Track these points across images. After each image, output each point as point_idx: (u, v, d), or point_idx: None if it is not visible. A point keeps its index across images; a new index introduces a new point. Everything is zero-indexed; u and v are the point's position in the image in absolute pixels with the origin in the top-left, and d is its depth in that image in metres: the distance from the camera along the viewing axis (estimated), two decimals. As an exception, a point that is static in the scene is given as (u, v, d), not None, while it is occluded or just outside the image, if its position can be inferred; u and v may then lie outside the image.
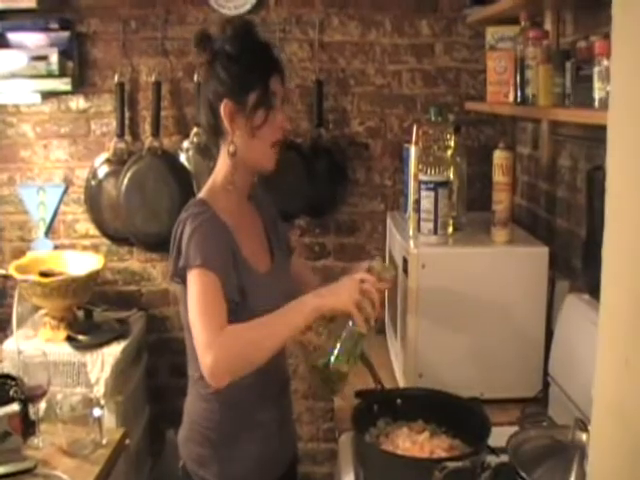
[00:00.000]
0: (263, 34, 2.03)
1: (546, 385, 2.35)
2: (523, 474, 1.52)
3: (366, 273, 1.93)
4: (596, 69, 1.87)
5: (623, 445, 0.98)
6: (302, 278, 2.29)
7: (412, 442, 1.97)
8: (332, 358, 1.87)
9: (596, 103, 1.88)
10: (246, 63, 1.92)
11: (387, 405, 2.16)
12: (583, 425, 1.55)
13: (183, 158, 3.34)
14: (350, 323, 1.90)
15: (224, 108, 1.90)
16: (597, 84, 1.87)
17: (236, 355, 1.78)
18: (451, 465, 1.71)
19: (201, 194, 2.00)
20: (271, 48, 2.00)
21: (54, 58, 3.15)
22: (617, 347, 1.00)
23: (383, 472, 1.88)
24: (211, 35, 1.96)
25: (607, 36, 1.88)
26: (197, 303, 1.80)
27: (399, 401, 2.17)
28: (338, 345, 1.88)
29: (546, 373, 2.33)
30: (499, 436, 1.86)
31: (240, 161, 1.96)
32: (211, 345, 1.74)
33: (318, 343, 1.89)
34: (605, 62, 1.83)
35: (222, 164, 1.99)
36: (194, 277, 1.82)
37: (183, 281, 1.86)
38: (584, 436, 1.53)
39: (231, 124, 1.92)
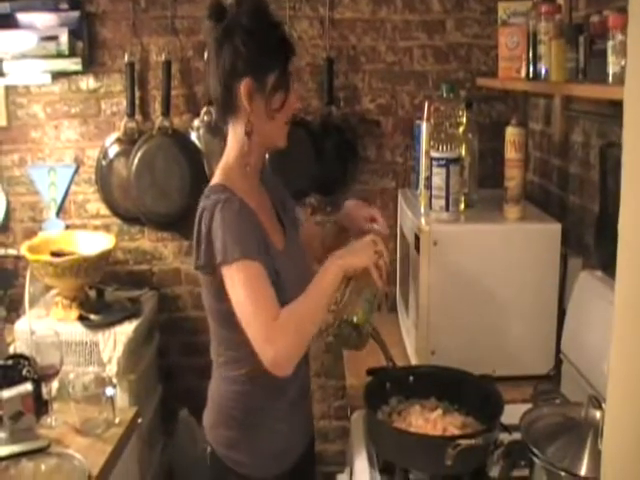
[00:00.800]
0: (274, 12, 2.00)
1: (558, 362, 2.34)
2: (536, 451, 1.52)
3: (376, 236, 1.97)
4: (610, 43, 1.85)
5: (638, 424, 0.97)
6: (310, 231, 2.33)
7: (425, 420, 1.97)
8: (360, 312, 1.93)
9: (610, 78, 1.86)
10: (268, 42, 1.88)
11: (399, 383, 2.15)
12: (597, 402, 1.54)
13: (194, 137, 3.32)
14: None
15: (244, 87, 1.85)
16: (611, 58, 1.85)
17: (293, 342, 1.78)
18: (464, 442, 1.71)
19: (217, 178, 1.95)
20: (284, 28, 1.99)
21: (64, 38, 3.14)
22: (633, 326, 0.99)
23: (396, 450, 1.88)
24: (226, 7, 1.90)
25: (621, 10, 1.86)
26: (247, 297, 1.77)
27: (411, 378, 2.17)
28: (361, 301, 1.94)
29: (559, 350, 2.33)
30: (511, 413, 1.85)
31: (255, 140, 1.93)
32: (270, 340, 1.74)
33: (341, 300, 1.94)
34: (619, 36, 1.81)
35: (234, 143, 1.96)
36: (237, 271, 1.78)
37: (213, 272, 1.84)
38: (598, 413, 1.53)
39: (250, 103, 1.88)
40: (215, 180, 1.94)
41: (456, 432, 1.90)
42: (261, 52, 1.87)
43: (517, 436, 1.75)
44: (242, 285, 1.78)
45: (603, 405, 1.54)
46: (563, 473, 1.46)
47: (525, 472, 1.66)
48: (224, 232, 1.79)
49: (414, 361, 2.46)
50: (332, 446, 3.60)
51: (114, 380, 2.83)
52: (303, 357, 2.07)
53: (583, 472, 1.46)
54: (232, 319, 1.81)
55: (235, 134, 1.95)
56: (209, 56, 1.92)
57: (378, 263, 1.90)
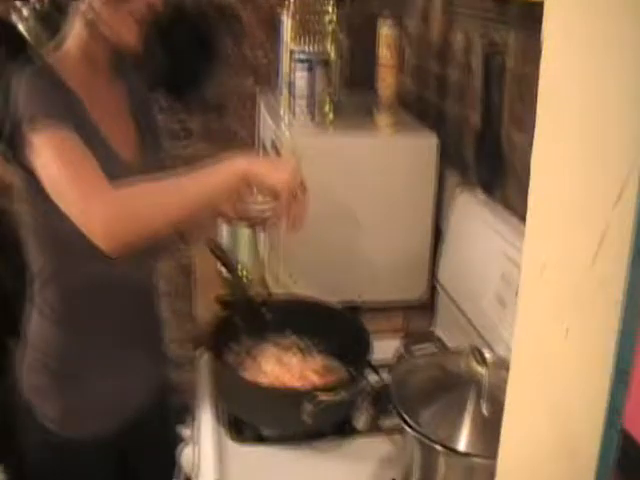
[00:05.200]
0: None
1: (432, 290, 2.15)
2: (408, 419, 1.25)
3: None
4: None
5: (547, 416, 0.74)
6: None
7: (280, 364, 1.71)
8: None
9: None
10: None
11: (251, 316, 1.87)
12: (480, 356, 1.30)
13: (21, 29, 2.91)
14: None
15: None
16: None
17: (132, 213, 1.44)
18: (325, 398, 1.46)
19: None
20: None
21: None
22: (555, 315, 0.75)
23: (245, 404, 1.61)
24: None
25: None
26: (62, 168, 1.44)
27: (265, 310, 1.89)
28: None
29: (433, 278, 2.12)
30: (381, 348, 1.70)
31: (98, 31, 1.64)
32: (94, 200, 1.41)
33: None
34: None
35: (75, 31, 1.69)
36: (47, 141, 1.45)
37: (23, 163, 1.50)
38: (481, 370, 1.29)
39: None
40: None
41: (316, 381, 1.65)
42: None
43: (387, 377, 1.57)
44: (55, 157, 1.45)
45: (487, 356, 1.31)
46: (439, 447, 1.21)
47: (396, 420, 1.37)
48: (32, 98, 1.50)
49: (272, 290, 2.18)
50: (188, 375, 3.33)
51: None
52: (150, 312, 1.86)
53: (463, 443, 1.23)
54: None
55: (78, 21, 1.68)
56: None
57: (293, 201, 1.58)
